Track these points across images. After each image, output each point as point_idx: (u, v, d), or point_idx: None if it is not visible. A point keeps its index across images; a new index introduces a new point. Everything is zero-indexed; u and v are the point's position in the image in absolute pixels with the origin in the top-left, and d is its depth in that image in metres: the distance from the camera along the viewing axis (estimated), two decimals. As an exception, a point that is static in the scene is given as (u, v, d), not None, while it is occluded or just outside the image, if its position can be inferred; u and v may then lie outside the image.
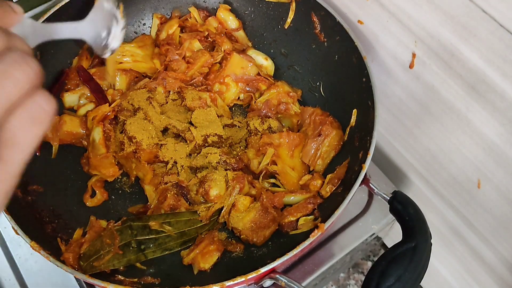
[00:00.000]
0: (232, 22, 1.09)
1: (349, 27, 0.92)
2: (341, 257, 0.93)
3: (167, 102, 1.02)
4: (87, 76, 1.00)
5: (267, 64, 1.07)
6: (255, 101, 1.04)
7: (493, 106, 0.72)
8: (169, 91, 1.03)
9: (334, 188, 0.86)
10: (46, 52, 0.97)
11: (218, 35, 1.07)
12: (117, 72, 1.03)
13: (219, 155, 0.92)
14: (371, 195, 1.00)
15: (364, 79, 0.87)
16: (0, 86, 0.37)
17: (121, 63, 1.03)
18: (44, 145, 0.94)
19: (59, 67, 1.01)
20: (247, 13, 1.10)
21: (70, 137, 0.96)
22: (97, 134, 0.93)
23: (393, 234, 1.06)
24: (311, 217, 0.85)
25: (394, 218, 0.78)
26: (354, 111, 0.91)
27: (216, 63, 1.06)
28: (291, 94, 1.02)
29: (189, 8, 1.10)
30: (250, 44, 1.10)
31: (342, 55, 0.95)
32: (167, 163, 0.94)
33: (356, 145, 0.88)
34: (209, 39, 1.08)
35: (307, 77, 1.05)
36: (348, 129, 0.92)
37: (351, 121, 0.92)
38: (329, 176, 0.88)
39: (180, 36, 1.08)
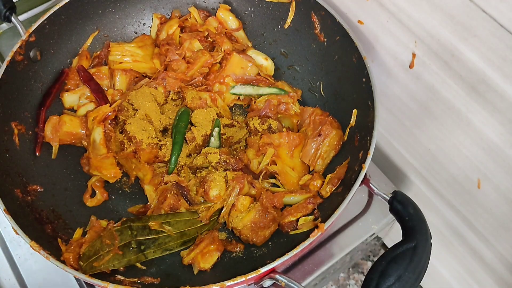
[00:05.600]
0: (232, 22, 1.09)
1: (349, 27, 0.92)
2: (341, 257, 0.93)
3: (167, 102, 1.02)
4: (87, 76, 1.00)
5: (267, 64, 1.07)
6: (255, 101, 1.04)
7: (493, 106, 0.72)
8: (169, 91, 1.03)
9: (334, 188, 0.86)
10: (46, 52, 0.98)
11: (218, 35, 1.07)
12: (117, 72, 1.03)
13: (219, 155, 0.92)
14: (371, 195, 1.00)
15: (364, 79, 0.87)
16: None
17: (121, 63, 1.03)
18: (44, 146, 0.94)
19: (59, 67, 1.01)
20: (247, 13, 1.10)
21: (70, 138, 0.95)
22: (98, 134, 0.93)
23: (393, 234, 1.06)
24: (311, 217, 0.85)
25: (394, 218, 0.78)
26: (354, 111, 0.91)
27: (216, 63, 1.06)
28: (291, 94, 1.02)
29: (189, 8, 1.10)
30: (250, 44, 1.10)
31: (342, 55, 0.95)
32: (167, 163, 0.94)
33: (356, 145, 0.88)
34: (209, 39, 1.08)
35: (307, 77, 1.05)
36: (348, 129, 0.92)
37: (351, 121, 0.92)
38: (329, 176, 0.88)
39: (180, 36, 1.08)
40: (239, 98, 1.06)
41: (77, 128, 0.96)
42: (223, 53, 1.06)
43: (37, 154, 0.92)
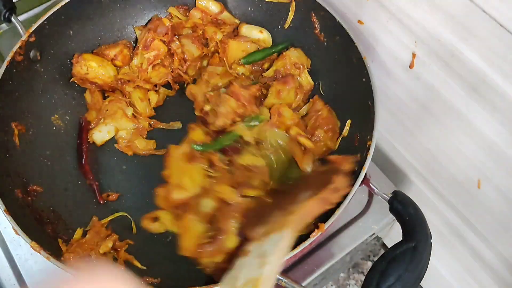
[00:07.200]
0: (213, 6, 1.07)
1: (349, 27, 0.92)
2: (341, 257, 0.93)
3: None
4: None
5: (264, 36, 1.06)
6: (263, 76, 1.04)
7: (493, 106, 0.72)
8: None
9: (334, 188, 0.86)
10: (46, 52, 0.97)
11: (206, 25, 1.06)
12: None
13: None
14: (371, 195, 1.00)
15: (364, 79, 0.87)
16: None
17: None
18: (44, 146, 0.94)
19: (59, 67, 1.00)
20: (247, 13, 1.10)
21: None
22: None
23: (393, 234, 1.06)
24: (311, 217, 0.85)
25: (394, 218, 0.78)
26: (348, 121, 0.92)
27: (213, 54, 1.06)
28: (297, 65, 1.01)
29: (168, 9, 1.09)
30: (237, 21, 1.09)
31: (342, 55, 0.95)
32: None
33: (356, 145, 0.88)
34: (199, 32, 1.07)
35: (307, 77, 1.05)
36: (347, 128, 0.92)
37: (343, 132, 0.93)
38: (329, 176, 0.88)
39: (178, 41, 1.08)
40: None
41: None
42: (214, 43, 1.06)
43: (101, 202, 0.92)
